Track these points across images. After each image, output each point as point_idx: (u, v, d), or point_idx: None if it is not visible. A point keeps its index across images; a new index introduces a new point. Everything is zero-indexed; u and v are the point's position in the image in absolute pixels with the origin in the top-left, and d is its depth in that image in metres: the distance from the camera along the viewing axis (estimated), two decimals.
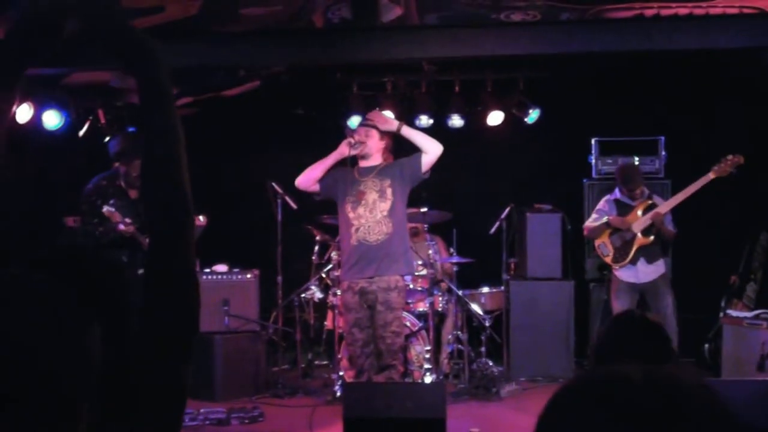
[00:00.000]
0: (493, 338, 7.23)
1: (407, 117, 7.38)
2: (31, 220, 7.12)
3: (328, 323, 7.25)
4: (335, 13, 5.76)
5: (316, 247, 7.34)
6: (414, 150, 5.90)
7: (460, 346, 7.10)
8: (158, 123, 1.55)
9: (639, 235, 6.60)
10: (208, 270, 7.13)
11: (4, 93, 1.63)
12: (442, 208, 7.03)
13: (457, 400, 6.47)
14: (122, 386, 1.35)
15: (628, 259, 6.64)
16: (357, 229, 5.80)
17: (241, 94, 8.14)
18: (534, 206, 7.66)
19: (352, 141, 5.87)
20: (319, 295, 7.12)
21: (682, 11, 5.67)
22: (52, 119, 7.27)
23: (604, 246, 6.79)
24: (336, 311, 6.61)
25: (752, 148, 6.62)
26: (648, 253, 6.64)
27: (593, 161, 7.80)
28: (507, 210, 7.28)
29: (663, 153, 7.62)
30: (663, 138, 7.65)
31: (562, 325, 7.40)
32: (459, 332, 7.07)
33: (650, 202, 6.67)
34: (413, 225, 6.90)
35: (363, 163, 5.96)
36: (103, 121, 7.66)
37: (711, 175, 6.40)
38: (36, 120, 7.19)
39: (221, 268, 7.18)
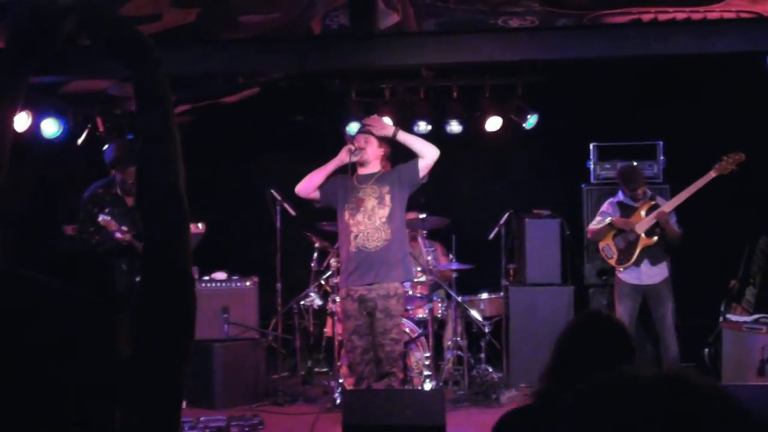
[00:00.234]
0: (493, 344, 7.22)
1: (406, 123, 7.38)
2: (30, 228, 7.11)
3: (327, 330, 7.25)
4: (333, 19, 5.77)
5: (316, 254, 7.33)
6: (412, 157, 5.91)
7: (459, 352, 7.09)
8: (154, 124, 1.55)
9: (643, 235, 6.62)
10: (207, 277, 7.12)
11: (7, 100, 1.63)
12: (440, 214, 7.03)
13: (457, 407, 6.46)
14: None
15: (632, 260, 6.65)
16: (356, 236, 5.81)
17: (239, 101, 8.14)
18: (533, 212, 7.65)
19: (352, 148, 5.90)
20: (318, 302, 7.11)
21: (680, 16, 5.67)
22: (50, 127, 7.26)
23: (609, 248, 6.80)
24: (335, 318, 6.60)
25: (750, 152, 6.62)
26: (652, 255, 6.65)
27: (592, 166, 7.80)
28: (506, 215, 7.27)
29: (662, 158, 7.62)
30: (661, 143, 7.66)
31: None
32: (458, 338, 7.06)
33: (653, 202, 6.69)
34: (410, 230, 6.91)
35: (362, 171, 5.98)
36: (101, 129, 7.65)
37: (713, 173, 6.42)
38: (35, 128, 7.18)
39: (220, 275, 7.17)
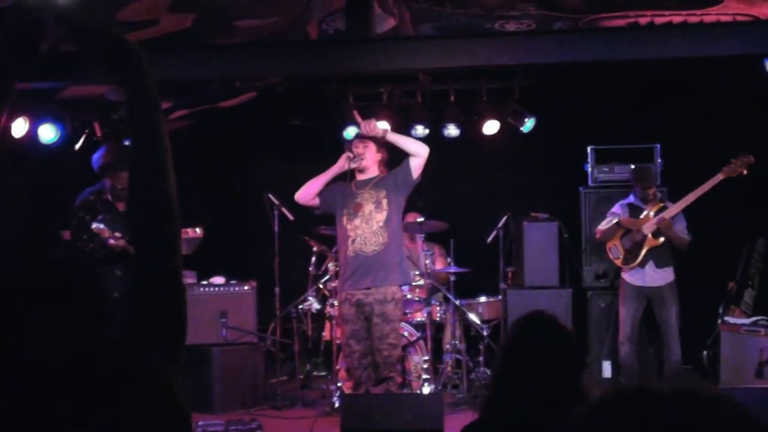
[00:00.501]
0: (491, 348, 7.22)
1: (403, 127, 7.40)
2: (27, 233, 7.10)
3: (325, 334, 7.24)
4: (330, 24, 5.78)
5: (314, 258, 7.33)
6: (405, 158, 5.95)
7: (458, 355, 7.08)
8: (145, 129, 1.57)
9: (649, 236, 6.62)
10: (205, 282, 7.11)
11: None
12: (438, 218, 7.03)
13: (455, 410, 6.45)
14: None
15: (638, 260, 6.65)
16: (353, 241, 5.82)
17: (237, 105, 8.15)
18: (531, 215, 7.64)
19: (351, 155, 5.91)
20: (316, 306, 7.11)
21: (677, 19, 5.68)
22: (47, 133, 7.25)
23: (615, 248, 6.81)
24: (334, 322, 6.61)
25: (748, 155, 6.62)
26: (657, 257, 6.65)
27: (589, 169, 7.80)
28: (504, 219, 7.26)
29: (659, 161, 7.62)
30: (659, 146, 7.66)
31: None
32: (457, 342, 7.06)
33: (662, 204, 6.70)
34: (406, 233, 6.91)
35: (360, 176, 6.01)
36: (99, 134, 7.64)
37: (720, 176, 6.41)
38: (32, 133, 7.18)
39: (218, 280, 7.17)
